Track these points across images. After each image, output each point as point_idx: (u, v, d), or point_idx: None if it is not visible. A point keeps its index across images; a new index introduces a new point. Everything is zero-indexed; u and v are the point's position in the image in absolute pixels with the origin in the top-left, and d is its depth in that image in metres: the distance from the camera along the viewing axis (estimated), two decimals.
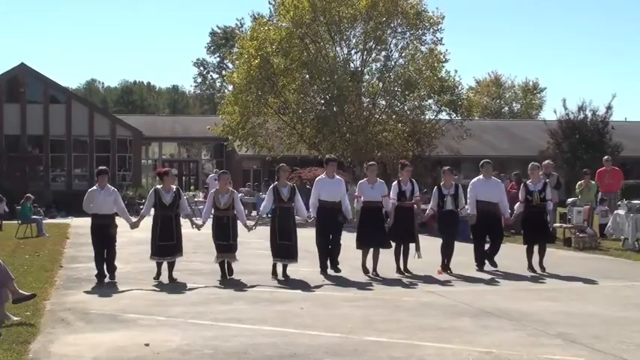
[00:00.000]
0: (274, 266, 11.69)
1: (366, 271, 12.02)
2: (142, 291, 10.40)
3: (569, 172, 31.55)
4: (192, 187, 45.85)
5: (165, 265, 11.40)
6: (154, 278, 11.25)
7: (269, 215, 12.23)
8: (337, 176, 12.33)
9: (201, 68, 77.15)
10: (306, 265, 12.36)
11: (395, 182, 12.50)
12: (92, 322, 8.11)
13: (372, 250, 12.06)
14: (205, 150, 50.36)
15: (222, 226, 11.51)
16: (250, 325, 7.91)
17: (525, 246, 12.96)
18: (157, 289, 10.59)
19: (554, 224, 18.05)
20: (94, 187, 11.29)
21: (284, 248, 11.55)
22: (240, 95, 30.42)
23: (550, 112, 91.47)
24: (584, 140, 34.77)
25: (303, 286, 10.86)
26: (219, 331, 7.66)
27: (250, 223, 11.96)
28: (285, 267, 11.67)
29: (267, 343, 7.09)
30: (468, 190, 12.83)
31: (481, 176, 12.87)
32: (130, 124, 41.18)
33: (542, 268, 12.55)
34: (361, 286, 10.93)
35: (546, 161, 18.97)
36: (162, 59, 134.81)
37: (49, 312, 8.65)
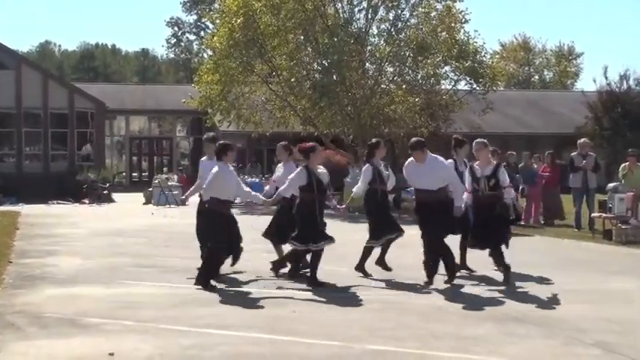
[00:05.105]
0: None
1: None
2: (106, 291, 10.38)
3: (611, 152, 31.58)
4: (164, 169, 45.83)
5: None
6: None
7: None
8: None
9: (176, 29, 76.88)
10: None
11: (467, 167, 11.46)
12: (47, 327, 8.11)
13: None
14: (180, 125, 50.34)
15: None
16: (235, 332, 7.93)
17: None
18: (123, 288, 10.59)
19: (593, 214, 18.13)
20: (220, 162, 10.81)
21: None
22: (222, 61, 30.30)
23: (588, 82, 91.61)
24: (628, 115, 34.79)
25: (296, 286, 10.85)
26: (198, 338, 7.68)
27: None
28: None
29: (255, 353, 7.11)
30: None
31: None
32: (92, 95, 41.00)
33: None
34: (365, 286, 10.94)
35: (583, 139, 18.99)
36: (130, 18, 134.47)
37: None
